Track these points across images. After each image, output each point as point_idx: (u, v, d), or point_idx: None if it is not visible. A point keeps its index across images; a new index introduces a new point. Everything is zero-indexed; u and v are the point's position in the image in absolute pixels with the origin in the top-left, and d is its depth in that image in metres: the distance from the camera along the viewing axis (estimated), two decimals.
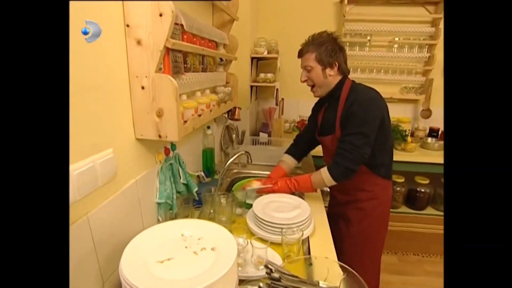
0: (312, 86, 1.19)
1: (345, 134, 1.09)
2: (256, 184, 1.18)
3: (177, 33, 0.81)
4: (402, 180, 2.16)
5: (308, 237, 0.97)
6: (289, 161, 1.37)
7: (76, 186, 0.57)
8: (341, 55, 1.14)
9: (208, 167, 1.43)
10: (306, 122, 1.41)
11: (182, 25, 0.84)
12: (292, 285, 0.64)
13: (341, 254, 1.29)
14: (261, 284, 0.65)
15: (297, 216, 0.97)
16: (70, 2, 0.53)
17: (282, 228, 0.85)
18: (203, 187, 1.27)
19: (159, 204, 0.93)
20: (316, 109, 1.36)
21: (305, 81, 1.18)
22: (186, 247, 0.64)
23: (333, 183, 1.09)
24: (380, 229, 1.28)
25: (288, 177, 1.18)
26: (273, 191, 1.15)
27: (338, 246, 1.31)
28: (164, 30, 0.69)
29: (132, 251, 0.60)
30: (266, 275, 0.64)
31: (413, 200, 2.19)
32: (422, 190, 2.15)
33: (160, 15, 0.68)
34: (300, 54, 1.17)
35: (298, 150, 1.39)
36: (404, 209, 2.20)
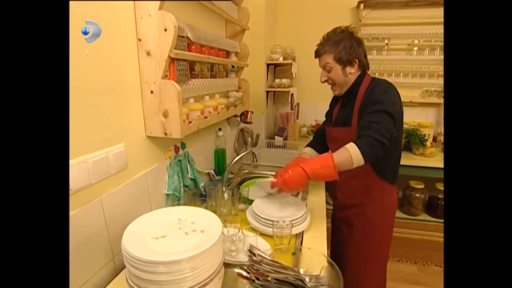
0: (333, 85, 1.17)
1: (368, 112, 1.00)
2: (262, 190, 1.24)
3: (182, 44, 0.93)
4: (422, 186, 2.08)
5: (303, 232, 1.02)
6: (310, 152, 1.34)
7: (91, 172, 0.70)
8: (360, 50, 1.11)
9: (220, 166, 1.54)
10: (321, 126, 1.42)
11: (188, 37, 0.96)
12: (272, 269, 0.70)
13: (345, 258, 1.30)
14: (245, 266, 0.72)
15: (291, 214, 1.02)
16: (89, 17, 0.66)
17: (273, 221, 0.92)
18: (212, 184, 1.38)
19: (167, 195, 1.04)
20: (333, 103, 1.35)
21: (326, 81, 1.17)
22: (179, 228, 0.73)
23: (361, 161, 0.92)
24: (384, 235, 1.26)
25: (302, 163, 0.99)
26: (284, 181, 0.97)
27: (342, 251, 1.32)
28: (168, 42, 0.81)
29: (133, 229, 0.71)
30: (248, 258, 0.71)
31: (434, 207, 2.10)
32: None
33: (165, 30, 0.80)
34: (317, 54, 1.15)
35: (317, 143, 1.38)
36: (424, 216, 2.12)
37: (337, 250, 1.38)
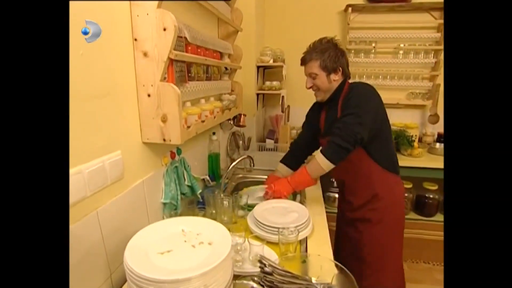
0: (317, 90, 1.23)
1: (340, 117, 1.12)
2: (258, 193, 1.23)
3: (180, 45, 0.88)
4: (410, 186, 2.13)
5: (306, 237, 1.00)
6: (283, 171, 1.37)
7: (87, 183, 0.64)
8: (343, 60, 1.18)
9: (214, 172, 1.49)
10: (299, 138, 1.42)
11: (185, 38, 0.92)
12: (284, 279, 0.68)
13: (362, 260, 1.26)
14: (255, 278, 0.69)
15: (294, 220, 1.00)
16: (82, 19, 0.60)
17: (278, 228, 0.89)
18: (208, 190, 1.33)
19: (164, 204, 0.99)
20: (313, 114, 1.37)
21: (311, 87, 1.23)
22: (185, 241, 0.69)
23: (330, 165, 1.08)
24: (397, 228, 1.28)
25: (285, 178, 1.21)
26: (278, 197, 1.17)
27: (358, 252, 1.28)
28: (168, 43, 0.76)
29: (136, 243, 0.65)
30: (259, 269, 0.68)
31: (422, 206, 2.16)
32: (431, 196, 2.12)
33: (164, 29, 0.76)
34: (303, 62, 1.21)
35: (294, 158, 1.39)
36: (412, 215, 2.17)
37: (346, 253, 1.35)
